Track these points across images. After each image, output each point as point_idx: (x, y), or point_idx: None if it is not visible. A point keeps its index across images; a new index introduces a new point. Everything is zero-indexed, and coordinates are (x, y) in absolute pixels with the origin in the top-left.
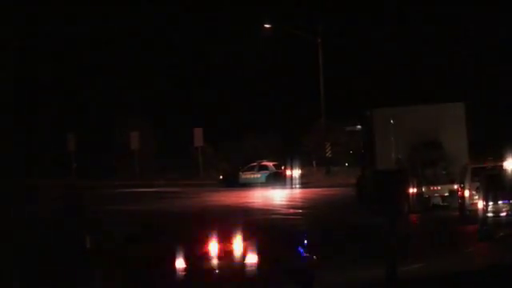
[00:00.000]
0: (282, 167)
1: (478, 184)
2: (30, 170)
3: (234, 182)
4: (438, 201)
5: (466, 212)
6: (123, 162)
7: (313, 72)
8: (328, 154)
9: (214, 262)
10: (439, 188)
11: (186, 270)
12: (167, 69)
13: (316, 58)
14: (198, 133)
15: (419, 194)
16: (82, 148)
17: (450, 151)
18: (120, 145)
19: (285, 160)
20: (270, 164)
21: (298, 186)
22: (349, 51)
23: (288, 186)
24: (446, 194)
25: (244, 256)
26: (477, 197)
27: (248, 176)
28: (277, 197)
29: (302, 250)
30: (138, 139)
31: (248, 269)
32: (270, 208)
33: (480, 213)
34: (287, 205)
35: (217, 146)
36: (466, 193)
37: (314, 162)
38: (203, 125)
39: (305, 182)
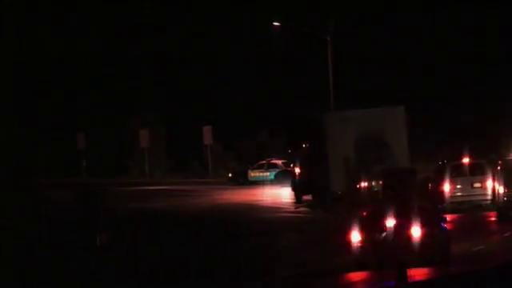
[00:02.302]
0: (291, 165)
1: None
2: (39, 169)
3: (243, 180)
4: None
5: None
6: (133, 160)
7: (322, 70)
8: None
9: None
10: None
11: None
12: (177, 67)
13: (325, 56)
14: (207, 131)
15: (370, 188)
16: (91, 147)
17: (394, 150)
18: (130, 143)
19: (294, 158)
20: (279, 162)
21: None
22: (359, 49)
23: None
24: None
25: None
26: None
27: (257, 174)
28: (286, 195)
29: (443, 225)
30: (148, 137)
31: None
32: (280, 206)
33: (500, 198)
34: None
35: (226, 145)
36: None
37: None
38: (212, 123)
39: None
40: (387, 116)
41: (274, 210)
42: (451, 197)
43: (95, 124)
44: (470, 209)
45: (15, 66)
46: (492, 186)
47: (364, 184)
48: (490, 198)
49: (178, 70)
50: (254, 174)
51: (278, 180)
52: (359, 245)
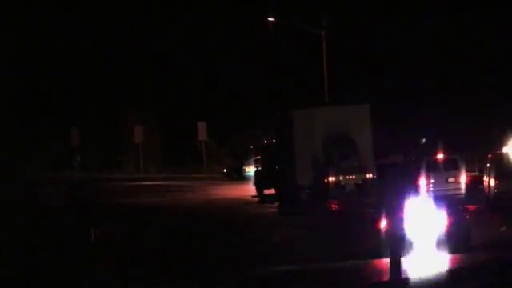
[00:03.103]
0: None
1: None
2: (33, 164)
3: (238, 176)
4: (352, 187)
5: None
6: (127, 155)
7: (317, 66)
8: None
9: None
10: (354, 177)
11: None
12: (171, 63)
13: (320, 51)
14: (202, 127)
15: (337, 183)
16: (85, 142)
17: (359, 146)
18: (124, 139)
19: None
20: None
21: None
22: (354, 45)
23: None
24: (360, 182)
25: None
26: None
27: (252, 169)
28: None
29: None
30: (142, 133)
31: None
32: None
33: (491, 191)
34: None
35: (220, 141)
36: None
37: None
38: (207, 119)
39: None
40: (353, 113)
41: (268, 206)
42: (426, 191)
43: (90, 119)
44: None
45: (11, 62)
46: (466, 180)
47: (331, 178)
48: (463, 192)
49: (173, 67)
50: (248, 170)
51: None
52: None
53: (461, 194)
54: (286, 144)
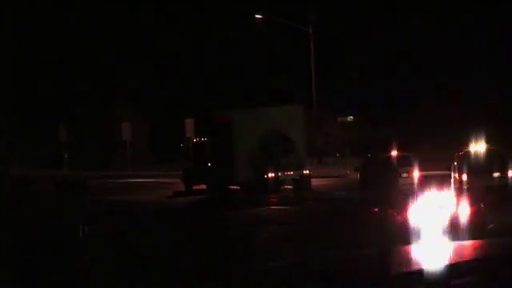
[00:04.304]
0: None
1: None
2: (21, 160)
3: None
4: (290, 183)
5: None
6: (115, 152)
7: (304, 63)
8: (319, 145)
9: None
10: (292, 173)
11: None
12: (159, 59)
13: (308, 48)
14: (190, 124)
15: (276, 178)
16: (73, 139)
17: (297, 144)
18: (112, 135)
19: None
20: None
21: None
22: (340, 41)
23: None
24: (298, 178)
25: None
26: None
27: None
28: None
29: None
30: (130, 130)
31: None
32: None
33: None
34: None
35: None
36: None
37: None
38: (195, 116)
39: None
40: (289, 113)
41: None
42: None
43: (78, 116)
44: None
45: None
46: (418, 175)
47: (271, 174)
48: (416, 186)
49: (163, 64)
50: None
51: None
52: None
53: (413, 187)
54: (225, 142)
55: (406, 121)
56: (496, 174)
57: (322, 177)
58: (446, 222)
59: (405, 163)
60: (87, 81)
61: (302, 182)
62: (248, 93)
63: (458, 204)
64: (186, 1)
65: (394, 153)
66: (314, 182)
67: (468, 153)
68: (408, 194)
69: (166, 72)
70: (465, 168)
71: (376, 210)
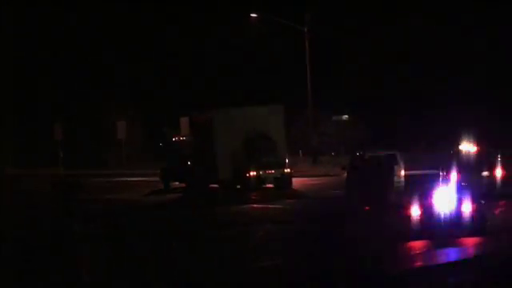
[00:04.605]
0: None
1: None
2: (16, 159)
3: None
4: (271, 181)
5: None
6: (111, 151)
7: (300, 61)
8: (315, 144)
9: None
10: (273, 171)
11: None
12: (154, 57)
13: (303, 47)
14: (185, 122)
15: (257, 177)
16: (68, 137)
17: (277, 143)
18: (107, 134)
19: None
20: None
21: None
22: (336, 41)
23: None
24: (279, 176)
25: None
26: None
27: None
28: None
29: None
30: (125, 128)
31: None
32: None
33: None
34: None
35: None
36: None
37: (300, 152)
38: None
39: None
40: (270, 113)
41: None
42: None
43: (74, 115)
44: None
45: None
46: (405, 173)
47: (252, 173)
48: (403, 183)
49: (158, 62)
50: None
51: None
52: (418, 218)
53: (400, 185)
54: (205, 141)
55: (394, 120)
56: (485, 173)
57: (318, 176)
58: (439, 220)
59: (393, 162)
60: (85, 80)
61: (283, 181)
62: (245, 93)
63: (448, 202)
64: (185, 0)
65: (381, 151)
66: (310, 181)
67: (458, 152)
68: (400, 192)
69: (165, 71)
70: (454, 167)
71: (368, 208)
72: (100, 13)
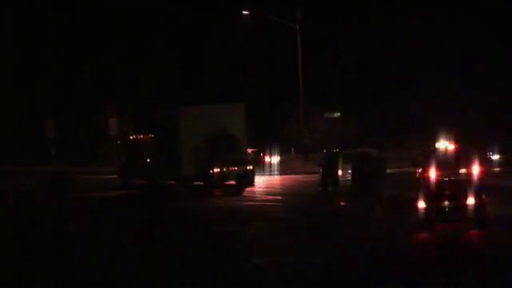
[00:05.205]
0: (261, 154)
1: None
2: (15, 157)
3: None
4: (234, 178)
5: None
6: (103, 148)
7: (292, 59)
8: (306, 141)
9: None
10: (237, 169)
11: None
12: (145, 55)
13: (295, 44)
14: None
15: (222, 174)
16: (62, 135)
17: (239, 140)
18: (100, 132)
19: (264, 147)
20: (249, 151)
21: (276, 172)
22: (328, 39)
23: (267, 173)
24: (242, 173)
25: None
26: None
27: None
28: (255, 183)
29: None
30: (117, 125)
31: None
32: (248, 195)
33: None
34: (265, 191)
35: None
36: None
37: (292, 149)
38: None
39: (283, 169)
40: (232, 112)
41: (243, 199)
42: (343, 180)
43: (67, 112)
44: None
45: None
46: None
47: (216, 170)
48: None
49: (151, 61)
50: None
51: None
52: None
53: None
54: (168, 138)
55: (383, 117)
56: (462, 171)
57: (309, 173)
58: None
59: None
60: (82, 80)
61: (246, 178)
62: (237, 91)
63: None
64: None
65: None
66: (301, 178)
67: (435, 150)
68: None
69: (164, 71)
70: (432, 164)
71: (343, 203)
72: (101, 13)
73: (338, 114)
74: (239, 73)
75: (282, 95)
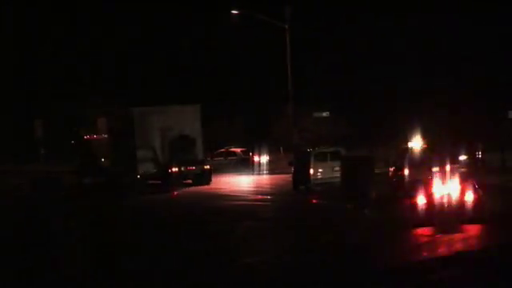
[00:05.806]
0: (250, 154)
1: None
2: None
3: None
4: (192, 177)
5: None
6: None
7: (281, 58)
8: (295, 141)
9: None
10: (194, 168)
11: None
12: (136, 54)
13: (284, 44)
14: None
15: (180, 173)
16: (49, 134)
17: (195, 141)
18: (89, 131)
19: (253, 146)
20: (238, 150)
21: (265, 172)
22: (316, 38)
23: (256, 173)
24: (199, 172)
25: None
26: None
27: (216, 162)
28: (244, 183)
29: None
30: (106, 125)
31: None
32: (238, 194)
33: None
34: (254, 191)
35: None
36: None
37: (281, 149)
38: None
39: (272, 169)
40: (187, 112)
41: (233, 198)
42: (314, 178)
43: (55, 111)
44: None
45: None
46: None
47: (174, 169)
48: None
49: (138, 56)
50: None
51: (236, 168)
52: (424, 207)
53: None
54: (125, 139)
55: (369, 117)
56: (435, 169)
57: None
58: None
59: (337, 157)
60: (64, 75)
61: (203, 177)
62: (229, 90)
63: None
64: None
65: (327, 149)
66: (288, 177)
67: (408, 149)
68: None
69: (143, 66)
70: (406, 163)
71: (315, 201)
72: (100, 12)
73: (327, 113)
74: (227, 72)
75: (270, 95)
